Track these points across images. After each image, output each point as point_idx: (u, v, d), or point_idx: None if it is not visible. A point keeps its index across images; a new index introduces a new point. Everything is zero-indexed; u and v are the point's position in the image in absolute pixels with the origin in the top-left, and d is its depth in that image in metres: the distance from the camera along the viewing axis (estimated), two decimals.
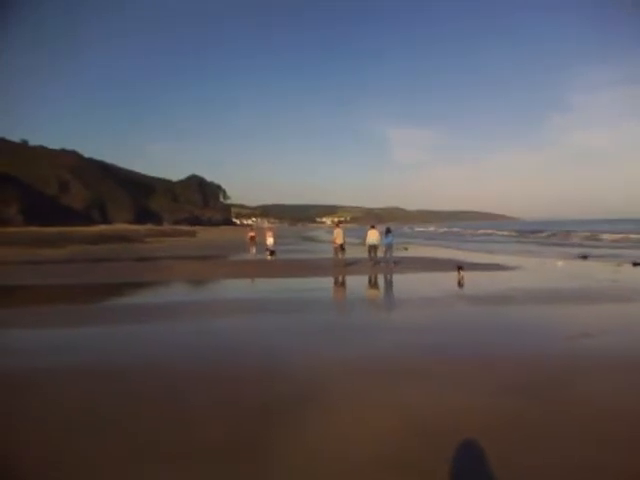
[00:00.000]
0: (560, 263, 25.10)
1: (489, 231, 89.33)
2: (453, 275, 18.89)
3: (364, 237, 24.61)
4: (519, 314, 11.68)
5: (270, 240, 29.22)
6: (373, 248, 23.62)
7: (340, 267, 22.53)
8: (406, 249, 37.15)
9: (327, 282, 18.41)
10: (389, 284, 18.08)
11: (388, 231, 24.41)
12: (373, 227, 24.54)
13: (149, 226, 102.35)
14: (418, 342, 8.89)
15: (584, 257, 28.74)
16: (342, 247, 23.93)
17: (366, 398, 5.89)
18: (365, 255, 24.11)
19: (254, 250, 30.56)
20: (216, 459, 4.41)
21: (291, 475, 4.15)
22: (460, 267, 19.70)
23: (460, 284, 17.88)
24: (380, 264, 23.25)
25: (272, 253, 27.82)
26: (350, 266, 23.03)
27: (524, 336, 9.43)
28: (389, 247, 23.98)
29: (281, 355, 8.07)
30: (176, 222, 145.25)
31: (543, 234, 69.13)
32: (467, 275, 19.04)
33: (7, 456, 4.54)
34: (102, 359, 7.84)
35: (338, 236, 24.15)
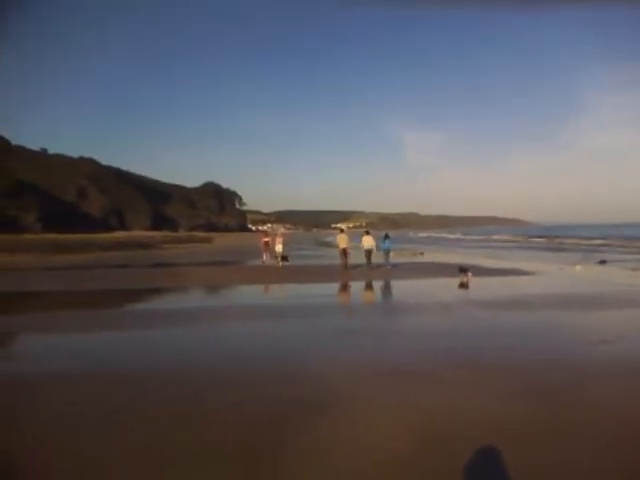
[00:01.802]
0: (578, 268, 24.84)
1: (504, 237, 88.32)
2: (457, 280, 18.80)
3: (359, 242, 25.32)
4: (537, 319, 11.56)
5: (279, 247, 29.06)
6: (368, 252, 24.33)
7: (344, 272, 22.88)
8: (422, 254, 37.14)
9: (334, 288, 18.43)
10: (390, 290, 17.95)
11: (386, 237, 25.50)
12: (368, 233, 25.20)
13: (165, 232, 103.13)
14: (434, 347, 8.83)
15: (602, 262, 28.43)
16: (345, 252, 24.28)
17: (380, 403, 5.86)
18: (363, 259, 24.65)
19: (267, 257, 30.22)
20: (228, 463, 4.40)
21: (307, 478, 4.14)
22: (465, 269, 19.84)
23: (464, 286, 18.00)
24: (379, 268, 23.82)
25: (284, 259, 27.57)
26: (354, 270, 23.33)
27: (542, 341, 9.32)
28: (387, 252, 25.10)
29: (293, 360, 8.05)
30: (192, 228, 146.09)
31: (560, 239, 68.43)
32: (483, 280, 18.94)
33: (22, 458, 4.57)
34: (119, 364, 7.88)
35: (342, 241, 24.62)
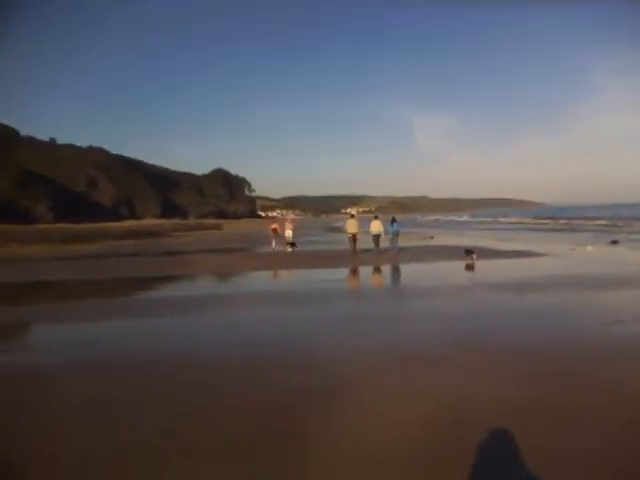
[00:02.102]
0: (589, 248, 24.62)
1: (512, 219, 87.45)
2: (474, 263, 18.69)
3: (368, 227, 25.44)
4: (550, 300, 11.45)
5: (289, 232, 28.97)
6: (376, 237, 24.49)
7: (353, 257, 23.08)
8: (432, 238, 37.01)
9: (342, 273, 18.36)
10: (398, 274, 17.88)
11: (393, 220, 25.91)
12: (376, 218, 25.29)
13: (176, 220, 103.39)
14: (444, 331, 8.77)
15: (614, 242, 28.18)
16: (355, 237, 24.48)
17: (388, 388, 5.83)
18: (372, 244, 24.74)
19: (276, 243, 30.13)
20: (238, 450, 4.40)
21: (317, 466, 4.12)
22: (471, 251, 20.15)
23: (469, 267, 18.23)
24: (387, 252, 24.06)
25: (292, 245, 27.56)
26: (362, 255, 23.45)
27: (555, 322, 9.24)
28: (395, 235, 25.46)
29: (302, 346, 8.03)
30: (202, 216, 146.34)
31: (570, 220, 67.91)
32: (494, 263, 18.85)
33: (31, 448, 4.59)
34: (130, 352, 7.90)
35: (351, 227, 24.76)
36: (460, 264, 18.97)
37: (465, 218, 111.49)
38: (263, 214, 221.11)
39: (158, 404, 5.53)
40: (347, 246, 25.05)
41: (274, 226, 31.29)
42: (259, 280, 17.37)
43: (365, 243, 25.73)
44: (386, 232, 25.19)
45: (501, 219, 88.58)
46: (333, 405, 5.34)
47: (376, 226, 24.54)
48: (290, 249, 26.73)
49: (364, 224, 26.68)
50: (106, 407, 5.51)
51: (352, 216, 26.87)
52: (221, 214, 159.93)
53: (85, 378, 6.55)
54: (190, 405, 5.48)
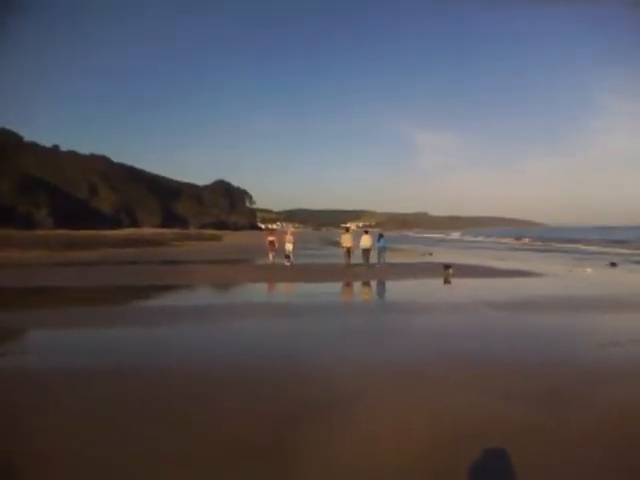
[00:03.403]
0: (589, 270, 24.66)
1: (504, 239, 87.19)
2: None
3: (358, 242, 26.07)
4: (548, 321, 11.48)
5: (289, 246, 28.60)
6: (366, 251, 25.29)
7: (347, 270, 23.81)
8: (430, 254, 37.07)
9: (336, 287, 18.59)
10: (387, 290, 17.97)
11: (380, 236, 26.61)
12: (366, 232, 26.59)
13: (176, 230, 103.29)
14: (443, 348, 8.79)
15: (613, 264, 28.23)
16: (349, 251, 25.31)
17: (389, 403, 5.84)
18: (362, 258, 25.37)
19: (272, 256, 29.03)
20: (239, 461, 4.40)
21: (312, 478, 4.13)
22: (448, 266, 21.21)
23: (447, 281, 19.30)
24: (375, 266, 24.72)
25: (288, 258, 26.86)
26: (355, 268, 24.01)
27: (552, 343, 9.27)
28: (382, 251, 26.10)
29: (298, 359, 8.05)
30: (202, 226, 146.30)
31: (572, 241, 68.02)
32: (494, 282, 18.90)
33: (27, 454, 4.59)
34: (128, 361, 7.90)
35: (346, 240, 25.60)
36: (454, 282, 19.02)
37: (456, 236, 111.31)
38: (263, 226, 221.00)
39: (153, 415, 5.54)
40: (342, 260, 25.65)
41: (271, 238, 30.15)
42: (255, 292, 17.41)
43: (356, 257, 26.05)
44: (374, 247, 25.78)
45: (490, 239, 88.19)
46: (330, 420, 5.35)
47: (366, 241, 25.47)
48: (288, 263, 26.46)
49: (358, 238, 26.92)
50: (103, 414, 5.51)
51: (347, 230, 27.83)
52: (221, 225, 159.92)
53: (81, 384, 6.56)
54: (187, 415, 5.49)
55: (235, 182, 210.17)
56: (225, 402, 5.90)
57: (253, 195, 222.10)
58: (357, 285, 19.26)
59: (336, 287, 18.45)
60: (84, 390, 6.34)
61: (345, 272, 23.10)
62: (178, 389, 6.40)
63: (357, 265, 24.79)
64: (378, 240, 26.13)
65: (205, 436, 4.90)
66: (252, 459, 4.45)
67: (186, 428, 5.11)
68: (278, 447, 4.66)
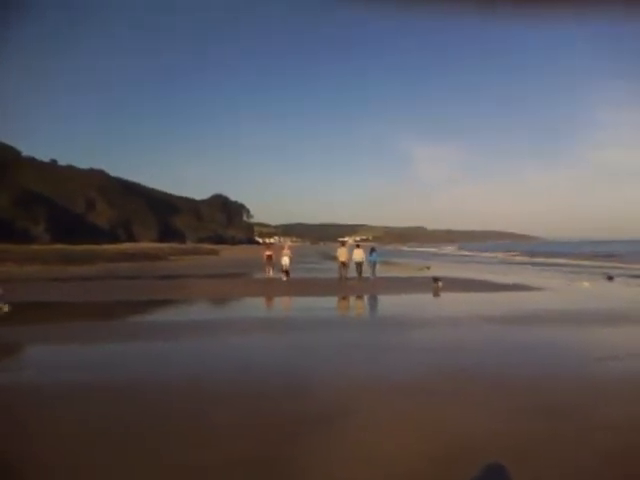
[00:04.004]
0: (586, 284, 24.69)
1: (497, 254, 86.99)
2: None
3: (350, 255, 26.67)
4: (546, 335, 11.47)
5: (286, 260, 28.51)
6: (358, 265, 25.83)
7: (343, 283, 24.27)
8: (428, 268, 37.11)
9: (332, 301, 18.74)
10: (379, 304, 18.00)
11: (372, 250, 27.33)
12: (358, 246, 27.33)
13: (173, 244, 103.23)
14: (441, 362, 8.79)
15: (610, 278, 28.28)
16: (345, 265, 25.77)
17: (388, 419, 5.82)
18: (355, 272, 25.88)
19: (271, 271, 28.87)
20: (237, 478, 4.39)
21: None
22: (438, 279, 21.76)
23: (436, 293, 19.74)
24: (369, 279, 25.13)
25: (287, 273, 26.76)
26: (350, 281, 24.44)
27: (552, 358, 9.26)
28: (373, 264, 26.54)
29: (295, 374, 8.04)
30: (200, 240, 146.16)
31: (567, 255, 68.16)
32: (491, 296, 18.93)
33: (25, 470, 4.57)
34: (126, 376, 7.87)
35: (342, 254, 26.22)
36: (450, 296, 19.10)
37: (448, 250, 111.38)
38: (261, 240, 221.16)
39: (151, 431, 5.51)
40: (337, 273, 26.16)
41: (268, 253, 29.94)
42: (252, 306, 17.45)
43: (351, 270, 26.27)
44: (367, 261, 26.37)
45: (484, 254, 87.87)
46: (325, 435, 5.33)
47: (358, 254, 26.09)
48: (285, 278, 26.31)
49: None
50: (98, 432, 5.49)
51: (342, 244, 28.74)
52: (219, 239, 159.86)
53: (76, 400, 6.53)
54: (185, 432, 5.46)
55: (233, 196, 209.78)
56: (222, 417, 5.87)
57: (251, 209, 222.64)
58: (353, 299, 19.40)
59: (332, 301, 18.54)
60: (81, 405, 6.30)
61: (341, 285, 23.42)
62: (176, 404, 6.37)
63: (352, 279, 25.05)
64: (370, 254, 26.73)
65: (203, 449, 4.88)
66: (248, 473, 4.43)
67: (183, 441, 5.08)
68: (274, 461, 4.64)
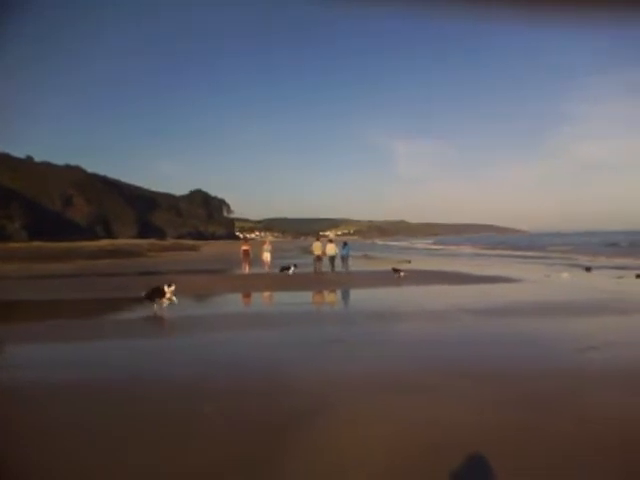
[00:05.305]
0: (565, 275, 24.96)
1: (467, 247, 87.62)
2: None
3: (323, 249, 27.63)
4: (527, 326, 11.53)
5: (267, 255, 28.16)
6: (331, 259, 26.98)
7: (317, 276, 25.18)
8: (409, 262, 37.24)
9: (309, 296, 18.74)
10: (354, 298, 18.03)
11: (345, 245, 28.26)
12: (330, 241, 28.49)
13: (152, 240, 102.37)
14: (423, 355, 8.77)
15: (588, 269, 28.64)
16: (319, 258, 26.91)
17: (370, 413, 5.76)
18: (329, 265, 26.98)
19: (247, 266, 28.24)
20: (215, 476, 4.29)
21: None
22: (397, 270, 23.46)
23: (398, 284, 20.84)
24: (342, 273, 25.92)
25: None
26: (325, 275, 25.36)
27: (533, 349, 9.30)
28: (345, 258, 27.61)
29: (277, 369, 7.95)
30: (180, 237, 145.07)
31: (547, 247, 68.99)
32: (473, 288, 19.06)
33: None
34: (105, 374, 7.71)
35: (316, 248, 27.35)
36: (426, 289, 19.19)
37: (425, 244, 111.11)
38: (241, 236, 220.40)
39: (131, 430, 5.38)
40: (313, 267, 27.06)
41: (245, 248, 29.12)
42: (229, 302, 17.38)
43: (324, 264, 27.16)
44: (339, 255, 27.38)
45: (474, 246, 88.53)
46: (315, 431, 5.24)
47: (330, 249, 27.14)
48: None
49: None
50: (76, 433, 5.34)
51: (317, 239, 30.04)
52: (199, 235, 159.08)
53: (58, 398, 6.37)
54: (168, 430, 5.34)
55: (213, 191, 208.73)
56: (203, 416, 5.76)
57: (231, 204, 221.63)
58: (328, 293, 19.57)
59: (307, 296, 18.57)
60: (62, 404, 6.15)
61: (316, 279, 23.84)
62: (155, 402, 6.24)
63: (326, 273, 25.87)
64: (343, 248, 27.58)
65: (187, 447, 4.77)
66: (235, 470, 4.34)
67: (164, 442, 4.96)
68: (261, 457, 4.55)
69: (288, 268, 25.52)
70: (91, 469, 4.45)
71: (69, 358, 8.96)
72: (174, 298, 14.08)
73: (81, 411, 5.97)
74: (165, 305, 13.87)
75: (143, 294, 14.14)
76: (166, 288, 13.91)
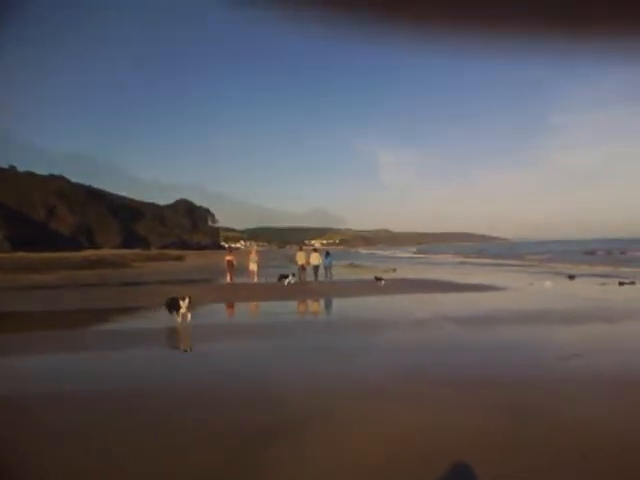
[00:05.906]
0: (548, 283, 25.21)
1: (467, 255, 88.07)
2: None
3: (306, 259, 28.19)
4: (511, 334, 11.66)
5: (253, 265, 27.83)
6: (315, 268, 27.58)
7: (302, 285, 25.20)
8: (394, 270, 37.41)
9: (293, 306, 18.51)
10: (339, 307, 18.10)
11: (327, 254, 28.77)
12: (315, 250, 29.28)
13: (137, 251, 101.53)
14: (408, 363, 8.86)
15: (571, 277, 28.97)
16: (303, 267, 27.49)
17: (359, 421, 5.83)
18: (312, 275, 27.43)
19: (229, 277, 27.77)
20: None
21: None
22: (379, 278, 24.56)
23: (379, 291, 21.31)
24: (325, 282, 26.30)
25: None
26: (310, 284, 25.60)
27: (518, 357, 9.44)
28: (328, 267, 28.27)
29: (264, 379, 7.99)
30: (164, 246, 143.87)
31: (527, 256, 69.58)
32: (458, 296, 19.20)
33: None
34: (86, 386, 7.69)
35: (300, 258, 27.81)
36: (410, 297, 19.32)
37: (408, 254, 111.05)
38: (227, 245, 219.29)
39: (111, 442, 5.40)
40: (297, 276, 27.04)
41: (229, 258, 28.29)
42: (212, 312, 17.33)
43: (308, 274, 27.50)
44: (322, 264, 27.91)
45: (456, 255, 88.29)
46: (299, 440, 5.30)
47: (314, 258, 27.77)
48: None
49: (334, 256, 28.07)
50: (56, 446, 5.35)
51: (301, 249, 30.67)
52: (184, 245, 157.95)
53: (42, 410, 6.36)
54: (147, 443, 5.37)
55: (198, 200, 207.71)
56: (190, 423, 5.80)
57: (216, 214, 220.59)
58: (312, 303, 19.52)
59: (291, 305, 18.43)
60: (46, 415, 6.15)
61: (301, 289, 23.68)
62: (140, 412, 6.26)
63: (310, 282, 26.11)
64: (326, 257, 28.21)
65: (171, 454, 4.81)
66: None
67: (151, 449, 5.00)
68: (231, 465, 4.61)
69: (286, 277, 25.55)
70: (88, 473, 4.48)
71: (47, 370, 8.90)
72: (189, 315, 13.64)
73: (62, 421, 5.96)
74: (182, 316, 13.61)
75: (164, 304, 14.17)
76: (181, 302, 13.64)
